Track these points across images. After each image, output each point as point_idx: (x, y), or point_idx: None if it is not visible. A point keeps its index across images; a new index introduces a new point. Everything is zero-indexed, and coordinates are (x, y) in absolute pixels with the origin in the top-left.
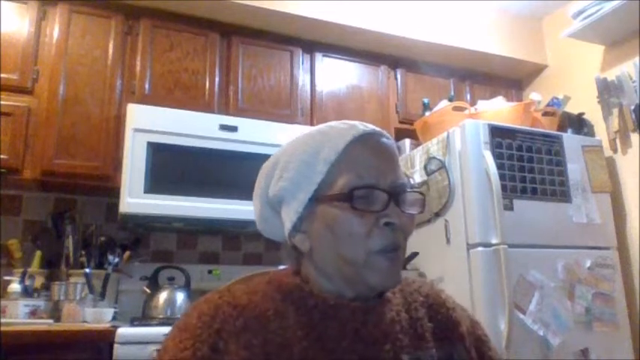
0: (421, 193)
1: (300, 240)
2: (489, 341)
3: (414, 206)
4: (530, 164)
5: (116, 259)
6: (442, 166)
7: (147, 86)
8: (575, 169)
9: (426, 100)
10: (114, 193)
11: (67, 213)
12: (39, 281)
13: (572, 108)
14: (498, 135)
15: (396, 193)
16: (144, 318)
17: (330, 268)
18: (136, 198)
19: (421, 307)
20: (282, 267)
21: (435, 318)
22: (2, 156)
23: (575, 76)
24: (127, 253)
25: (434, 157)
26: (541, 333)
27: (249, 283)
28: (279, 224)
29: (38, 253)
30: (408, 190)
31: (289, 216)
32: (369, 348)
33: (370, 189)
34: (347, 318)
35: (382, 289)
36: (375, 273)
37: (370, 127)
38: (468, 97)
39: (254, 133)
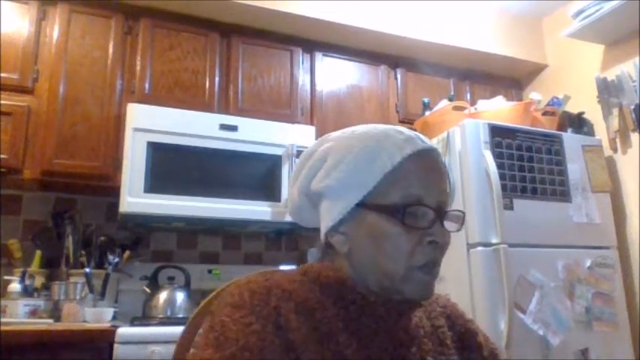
0: (461, 212)
1: (338, 241)
2: (500, 354)
3: (455, 223)
4: (530, 164)
5: (116, 259)
6: None
7: (147, 86)
8: (575, 168)
9: (426, 100)
10: (114, 193)
11: (67, 213)
12: (39, 281)
13: (572, 108)
14: (498, 134)
15: (442, 212)
16: (144, 318)
17: (367, 274)
18: (136, 198)
19: (440, 316)
20: (283, 266)
21: (454, 328)
22: (2, 156)
23: (575, 75)
24: (127, 252)
25: None
26: (541, 333)
27: (284, 273)
28: (313, 215)
29: (38, 253)
30: (451, 209)
31: (330, 215)
32: (398, 349)
33: (420, 206)
34: (382, 317)
35: (417, 302)
36: (413, 287)
37: (427, 142)
38: (468, 96)
39: (254, 133)
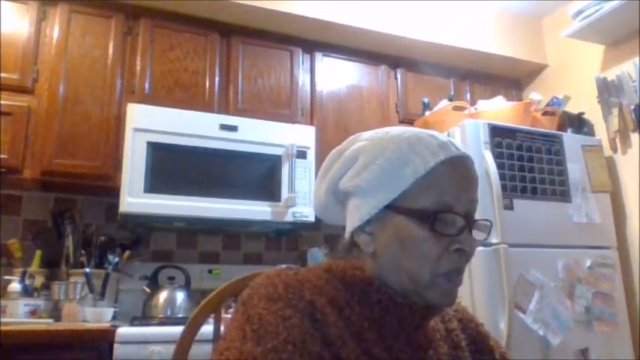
0: (489, 221)
1: (364, 241)
2: (509, 357)
3: (482, 233)
4: (530, 164)
5: (116, 259)
6: None
7: (147, 86)
8: (575, 168)
9: (426, 100)
10: (114, 192)
11: (67, 213)
12: (39, 281)
13: (572, 108)
14: (498, 135)
15: (471, 220)
16: (144, 318)
17: (391, 276)
18: (135, 198)
19: (453, 319)
20: (283, 265)
21: (466, 331)
22: (2, 156)
23: (575, 75)
24: (127, 252)
25: None
26: (541, 333)
27: (308, 269)
28: (339, 213)
29: (38, 253)
30: (479, 219)
31: (358, 214)
32: (417, 352)
33: (450, 214)
34: (405, 319)
35: (439, 308)
36: (437, 293)
37: (460, 149)
38: (468, 96)
39: (254, 133)
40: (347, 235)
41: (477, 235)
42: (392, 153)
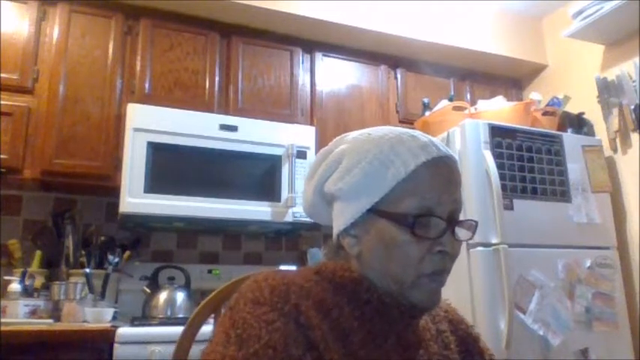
0: (474, 221)
1: (349, 243)
2: None
3: (467, 232)
4: (530, 164)
5: (116, 259)
6: None
7: (147, 86)
8: (575, 168)
9: (426, 100)
10: (114, 193)
11: (67, 213)
12: (39, 281)
13: (572, 108)
14: (498, 135)
15: (453, 222)
16: (144, 318)
17: (376, 277)
18: (135, 198)
19: (444, 320)
20: (283, 266)
21: (456, 332)
22: (2, 156)
23: (575, 75)
24: (127, 252)
25: None
26: (541, 333)
27: (297, 271)
28: (326, 213)
29: (38, 253)
30: (464, 219)
31: (342, 217)
32: (407, 351)
33: (431, 217)
34: (395, 319)
35: (423, 308)
36: (420, 293)
37: (442, 149)
38: (468, 96)
39: (254, 133)
40: (334, 237)
41: (463, 234)
42: (373, 156)
